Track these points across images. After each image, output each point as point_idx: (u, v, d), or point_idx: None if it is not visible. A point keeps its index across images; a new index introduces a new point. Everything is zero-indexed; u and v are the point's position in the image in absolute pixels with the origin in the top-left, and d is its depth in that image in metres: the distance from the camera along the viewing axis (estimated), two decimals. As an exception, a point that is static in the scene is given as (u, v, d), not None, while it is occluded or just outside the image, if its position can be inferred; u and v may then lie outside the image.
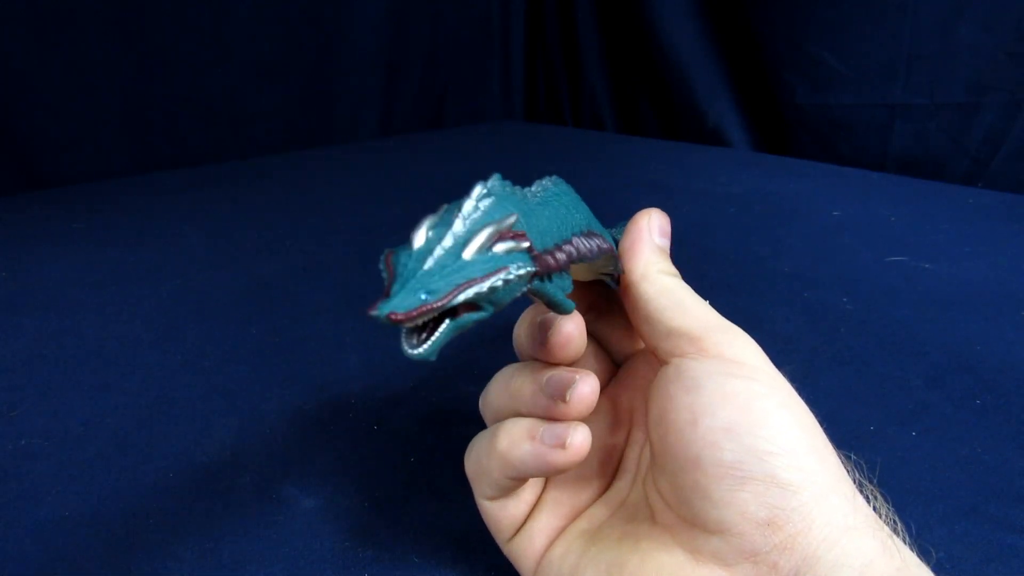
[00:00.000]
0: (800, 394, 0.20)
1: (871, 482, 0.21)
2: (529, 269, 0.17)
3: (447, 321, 0.15)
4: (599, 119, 1.33)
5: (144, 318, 0.51)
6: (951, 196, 0.77)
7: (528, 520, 0.23)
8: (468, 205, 0.17)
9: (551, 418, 0.21)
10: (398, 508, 0.31)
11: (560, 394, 0.20)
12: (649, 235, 0.24)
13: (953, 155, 0.89)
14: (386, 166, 1.05)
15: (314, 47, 1.13)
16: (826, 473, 0.18)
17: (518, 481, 0.22)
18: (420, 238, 0.16)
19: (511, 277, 0.16)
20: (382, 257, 0.16)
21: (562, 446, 0.20)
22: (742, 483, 0.18)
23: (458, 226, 0.16)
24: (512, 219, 0.17)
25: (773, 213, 0.73)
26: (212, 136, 1.07)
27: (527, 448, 0.20)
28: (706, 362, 0.20)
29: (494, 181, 0.19)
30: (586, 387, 0.20)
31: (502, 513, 0.23)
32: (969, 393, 0.38)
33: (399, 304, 0.14)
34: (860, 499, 0.19)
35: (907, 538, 0.18)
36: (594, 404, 0.21)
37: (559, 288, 0.20)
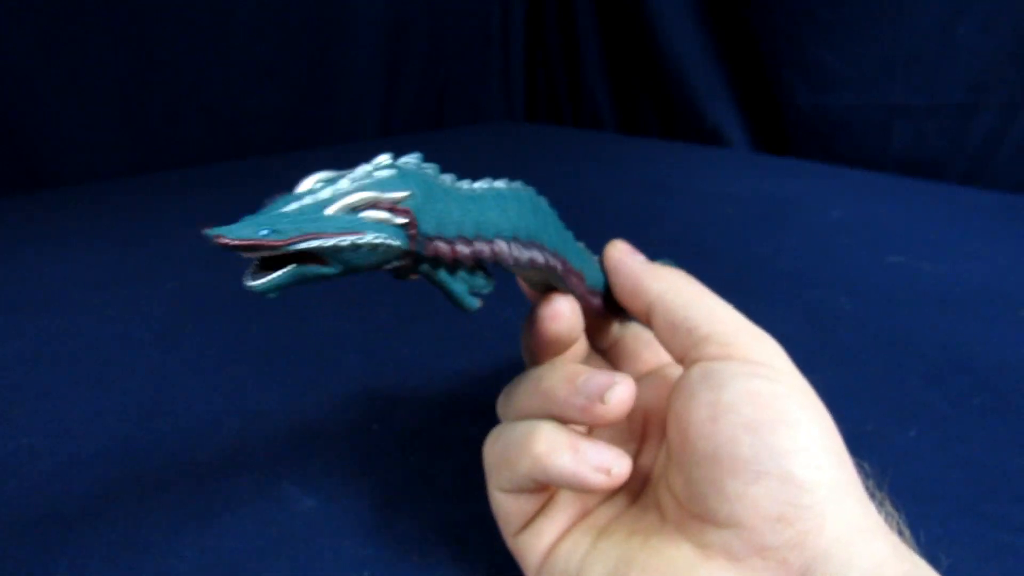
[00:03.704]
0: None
1: (881, 490, 0.21)
2: (394, 243, 0.16)
3: (292, 265, 0.16)
4: (599, 119, 1.33)
5: (144, 318, 0.51)
6: (950, 196, 0.77)
7: (539, 515, 0.23)
8: (362, 170, 0.17)
9: (587, 420, 0.21)
10: (398, 508, 0.31)
11: (599, 395, 0.20)
12: (632, 257, 0.24)
13: (952, 155, 0.89)
14: (386, 166, 1.05)
15: (314, 47, 1.13)
16: (842, 475, 0.18)
17: (544, 485, 0.22)
18: (305, 185, 0.16)
19: (362, 243, 0.16)
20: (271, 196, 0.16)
21: (606, 472, 0.20)
22: (757, 478, 0.18)
23: (343, 184, 0.16)
24: (402, 195, 0.17)
25: (773, 213, 0.73)
26: (212, 136, 1.07)
27: (567, 460, 0.20)
28: (732, 364, 0.20)
29: (411, 158, 0.18)
30: (625, 390, 0.20)
31: (514, 506, 0.23)
32: (968, 393, 0.38)
33: (233, 231, 0.15)
34: (871, 504, 0.19)
35: (915, 546, 0.18)
36: (631, 407, 0.20)
37: (463, 282, 0.19)
